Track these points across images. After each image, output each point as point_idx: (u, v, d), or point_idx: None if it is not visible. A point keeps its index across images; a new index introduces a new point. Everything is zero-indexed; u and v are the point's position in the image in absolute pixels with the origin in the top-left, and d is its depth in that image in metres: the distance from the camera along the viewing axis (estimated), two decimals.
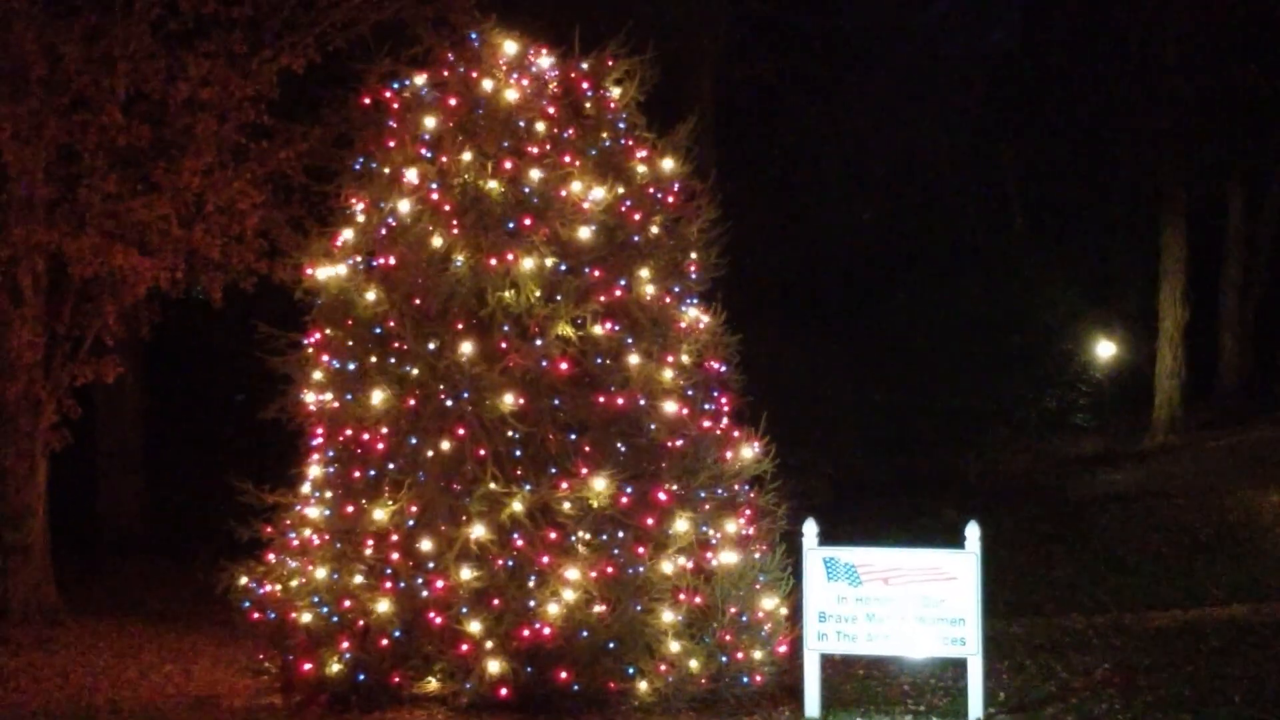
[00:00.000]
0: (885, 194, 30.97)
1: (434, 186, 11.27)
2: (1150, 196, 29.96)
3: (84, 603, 15.59)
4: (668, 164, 11.74)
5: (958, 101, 32.77)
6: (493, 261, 10.91)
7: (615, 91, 11.88)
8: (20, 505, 14.21)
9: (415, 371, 10.97)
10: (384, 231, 11.37)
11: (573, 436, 10.85)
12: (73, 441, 14.54)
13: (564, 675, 10.48)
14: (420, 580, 10.62)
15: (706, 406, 11.61)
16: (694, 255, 11.84)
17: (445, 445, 10.79)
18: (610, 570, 10.63)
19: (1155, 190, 29.64)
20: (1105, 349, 29.90)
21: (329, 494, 11.29)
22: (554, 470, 10.75)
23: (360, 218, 11.61)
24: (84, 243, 12.81)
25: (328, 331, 11.43)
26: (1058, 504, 21.84)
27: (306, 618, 10.94)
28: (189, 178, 13.08)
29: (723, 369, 11.87)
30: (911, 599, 10.65)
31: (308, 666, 10.88)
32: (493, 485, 10.69)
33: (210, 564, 11.94)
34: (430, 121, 11.49)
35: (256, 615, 11.41)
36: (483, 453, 10.75)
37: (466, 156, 11.28)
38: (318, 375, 11.52)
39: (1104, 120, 29.44)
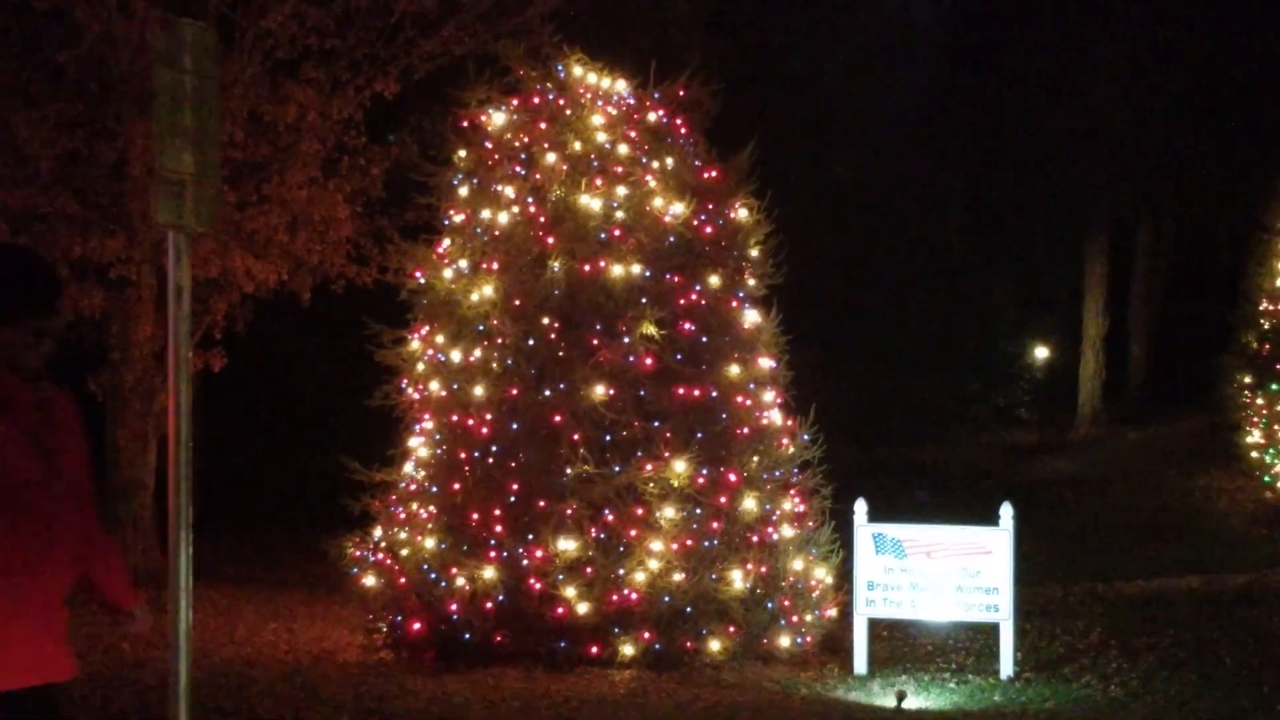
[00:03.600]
0: (843, 218, 30.82)
1: (530, 201, 10.95)
2: (1075, 224, 30.12)
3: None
4: (733, 183, 11.46)
5: (904, 135, 32.70)
6: (585, 268, 10.61)
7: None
8: (133, 480, 13.76)
9: (516, 364, 10.65)
10: (486, 240, 11.02)
11: (656, 424, 10.54)
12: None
13: (647, 635, 10.21)
14: (521, 550, 10.28)
15: (766, 399, 11.35)
16: (752, 264, 11.55)
17: (543, 431, 10.48)
18: (689, 543, 10.34)
19: (1080, 219, 29.85)
20: (1041, 353, 30.01)
21: (433, 473, 10.94)
22: (639, 454, 10.44)
23: (461, 228, 11.26)
24: (207, 247, 12.39)
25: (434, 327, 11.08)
26: (1011, 487, 21.68)
27: (417, 583, 10.59)
28: (295, 191, 12.69)
29: (775, 365, 11.60)
30: (951, 570, 10.45)
31: (417, 626, 10.53)
32: (585, 467, 10.37)
33: (324, 535, 11.52)
34: (524, 143, 11.19)
35: (369, 581, 11.02)
36: (576, 437, 10.42)
37: (559, 174, 10.96)
38: (421, 367, 11.18)
39: (1038, 158, 29.60)
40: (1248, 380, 18.61)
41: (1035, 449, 26.95)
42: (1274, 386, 17.92)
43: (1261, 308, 18.63)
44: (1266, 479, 18.46)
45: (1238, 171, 26.79)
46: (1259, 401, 18.28)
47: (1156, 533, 17.87)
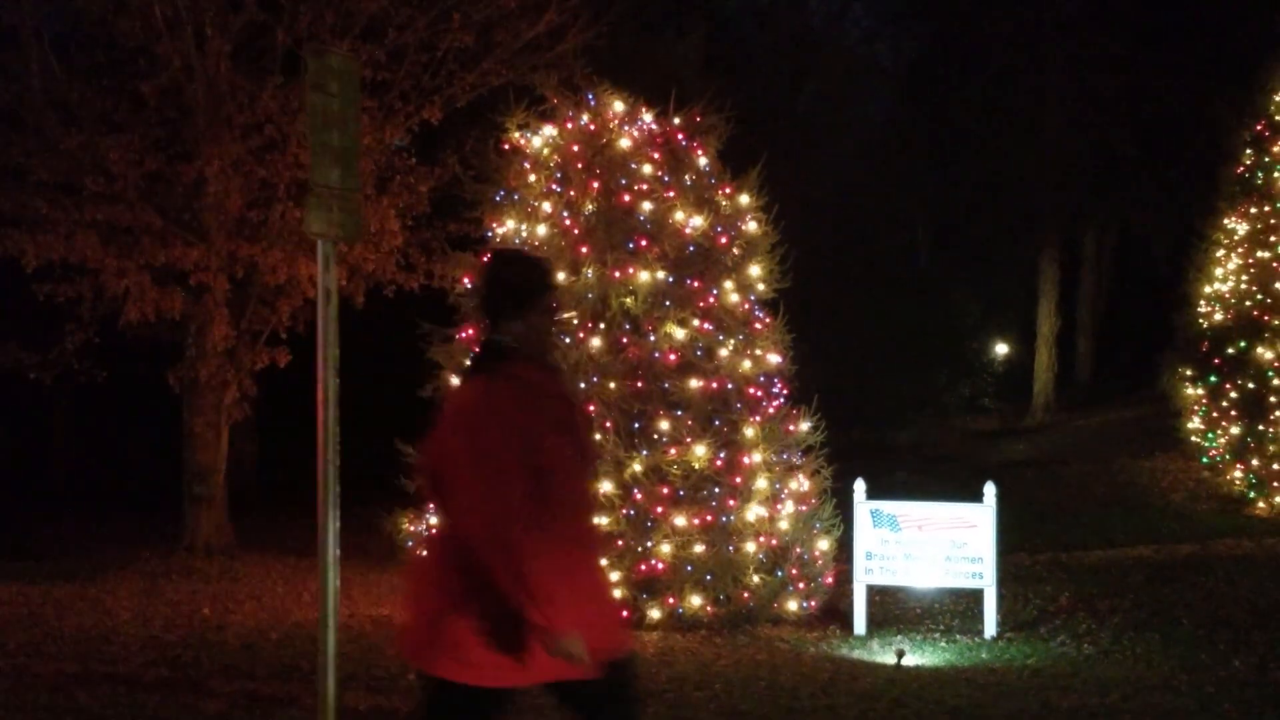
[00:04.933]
0: (825, 233, 30.64)
1: (565, 214, 10.83)
2: (1029, 237, 30.07)
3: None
4: (743, 199, 11.34)
5: (877, 160, 32.52)
6: (615, 274, 10.49)
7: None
8: (207, 463, 13.60)
9: (554, 359, 10.51)
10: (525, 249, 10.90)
11: (678, 413, 10.43)
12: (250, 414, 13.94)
13: (671, 600, 10.11)
14: None
15: (774, 390, 11.24)
16: (761, 271, 11.42)
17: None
18: (708, 518, 10.25)
19: (1033, 232, 29.81)
20: (1000, 348, 29.89)
21: None
22: (664, 439, 10.33)
23: (503, 239, 11.12)
24: (275, 255, 12.25)
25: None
26: (979, 468, 21.58)
27: None
28: None
29: (781, 361, 11.48)
30: (941, 542, 10.33)
31: None
32: (617, 451, 10.26)
33: (380, 513, 11.37)
34: (559, 163, 11.07)
35: (424, 552, 10.87)
36: (608, 425, 10.32)
37: (591, 191, 10.83)
38: (468, 362, 11.04)
39: (995, 180, 29.59)
40: (1189, 373, 18.48)
41: (997, 434, 26.81)
42: (1212, 379, 17.78)
43: (1201, 309, 18.50)
44: (1205, 460, 18.36)
45: (1169, 191, 26.88)
46: (1199, 392, 18.15)
47: (1110, 507, 17.73)
